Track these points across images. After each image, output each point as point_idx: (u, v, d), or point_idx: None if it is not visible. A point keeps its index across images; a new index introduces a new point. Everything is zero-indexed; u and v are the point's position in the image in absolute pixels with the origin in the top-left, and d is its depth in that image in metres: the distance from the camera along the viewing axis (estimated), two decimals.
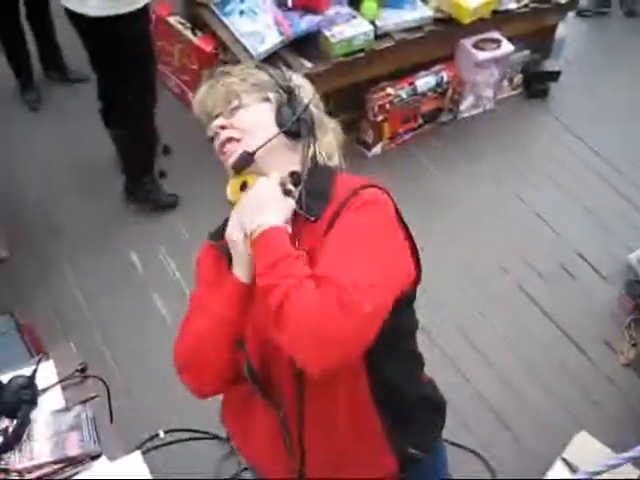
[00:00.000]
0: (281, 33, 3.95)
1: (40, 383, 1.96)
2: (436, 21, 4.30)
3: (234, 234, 1.50)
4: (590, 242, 3.96)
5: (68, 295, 3.53)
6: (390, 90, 4.25)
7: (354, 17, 4.05)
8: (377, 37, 4.10)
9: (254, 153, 1.53)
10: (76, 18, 3.17)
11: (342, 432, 1.57)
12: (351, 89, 4.15)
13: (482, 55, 4.46)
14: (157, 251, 3.78)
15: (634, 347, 3.39)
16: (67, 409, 1.89)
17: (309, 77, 3.76)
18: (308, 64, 3.92)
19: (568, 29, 5.21)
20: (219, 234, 1.61)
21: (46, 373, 2.00)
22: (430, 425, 1.76)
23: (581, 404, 3.21)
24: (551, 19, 4.92)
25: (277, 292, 1.31)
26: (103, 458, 1.80)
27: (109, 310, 3.47)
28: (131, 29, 3.22)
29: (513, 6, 4.55)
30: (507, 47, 4.55)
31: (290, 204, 1.48)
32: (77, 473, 1.77)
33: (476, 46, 4.48)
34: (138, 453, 1.85)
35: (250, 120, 1.57)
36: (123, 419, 2.17)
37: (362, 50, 4.04)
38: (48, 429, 1.83)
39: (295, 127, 1.56)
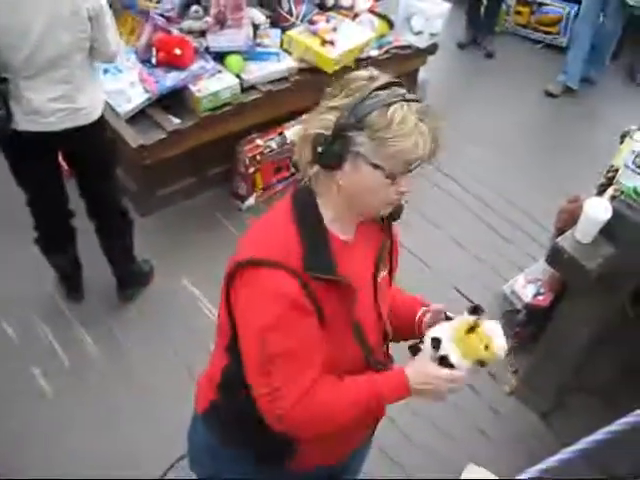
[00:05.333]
0: (147, 90, 3.93)
1: None
2: (301, 71, 4.38)
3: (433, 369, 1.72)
4: (464, 275, 4.06)
5: None
6: (259, 142, 4.26)
7: (219, 71, 4.08)
8: (244, 90, 4.14)
9: None
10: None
11: None
12: (222, 142, 4.15)
13: None
14: (32, 320, 3.59)
15: (515, 374, 3.50)
16: None
17: (178, 133, 3.78)
18: (176, 120, 3.90)
19: (430, 72, 5.43)
20: (322, 266, 1.52)
21: None
22: None
23: (470, 436, 3.27)
24: (413, 63, 5.13)
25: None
26: None
27: None
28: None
29: (375, 53, 4.70)
30: None
31: None
32: None
33: None
34: None
35: None
36: None
37: (229, 104, 4.07)
38: None
39: None
